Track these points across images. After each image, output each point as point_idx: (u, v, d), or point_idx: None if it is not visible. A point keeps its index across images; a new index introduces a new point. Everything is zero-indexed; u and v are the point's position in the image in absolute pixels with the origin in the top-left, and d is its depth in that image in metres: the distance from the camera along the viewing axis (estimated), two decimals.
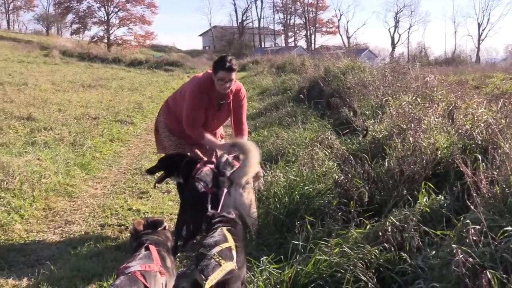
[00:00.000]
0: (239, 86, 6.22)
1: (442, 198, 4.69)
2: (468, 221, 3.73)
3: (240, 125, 6.29)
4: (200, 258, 3.52)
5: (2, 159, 7.94)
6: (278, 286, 4.28)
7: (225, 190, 5.11)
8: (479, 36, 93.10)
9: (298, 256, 4.49)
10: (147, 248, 3.60)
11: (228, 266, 3.38)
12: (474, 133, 5.56)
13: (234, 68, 5.84)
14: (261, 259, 4.65)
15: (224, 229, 3.89)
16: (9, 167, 7.63)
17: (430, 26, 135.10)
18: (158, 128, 6.51)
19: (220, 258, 3.41)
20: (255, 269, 4.49)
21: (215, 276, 3.25)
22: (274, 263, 4.62)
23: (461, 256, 3.31)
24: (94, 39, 64.48)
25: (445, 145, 5.70)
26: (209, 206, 5.01)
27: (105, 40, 64.56)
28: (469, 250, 3.42)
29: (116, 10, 65.65)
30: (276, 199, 5.96)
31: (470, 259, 3.31)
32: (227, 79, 5.79)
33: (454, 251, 3.38)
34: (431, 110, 6.99)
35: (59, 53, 43.07)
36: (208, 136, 5.93)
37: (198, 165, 5.53)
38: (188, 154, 5.89)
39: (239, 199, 5.24)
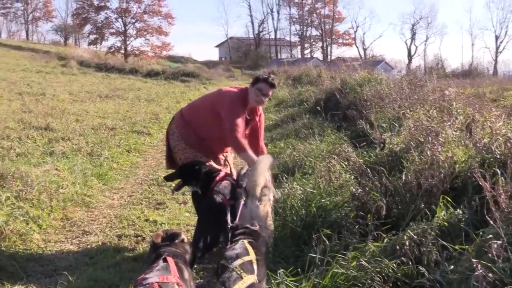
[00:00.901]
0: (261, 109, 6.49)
1: (460, 212, 4.65)
2: (490, 236, 3.71)
3: (259, 146, 6.45)
4: (221, 270, 3.52)
5: (21, 169, 7.99)
6: None
7: (242, 202, 5.12)
8: (497, 48, 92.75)
9: (315, 269, 4.48)
10: (165, 260, 3.60)
11: (249, 279, 3.37)
12: (492, 146, 5.50)
13: (274, 84, 6.22)
14: (278, 271, 4.63)
15: (246, 241, 3.89)
16: (27, 177, 7.67)
17: (446, 38, 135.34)
18: (170, 142, 6.39)
19: (241, 271, 3.41)
20: (272, 281, 4.48)
21: None
22: (291, 276, 4.60)
23: (480, 271, 3.29)
24: (111, 50, 64.87)
25: (463, 159, 5.66)
26: (229, 218, 5.02)
27: (122, 51, 64.89)
28: (489, 265, 3.40)
29: (133, 21, 66.05)
30: (293, 212, 5.95)
31: (490, 275, 3.29)
32: (265, 92, 6.04)
33: (474, 266, 3.36)
34: (449, 123, 6.95)
35: (77, 64, 43.34)
36: (249, 150, 5.81)
37: (218, 178, 5.54)
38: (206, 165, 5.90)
39: (255, 211, 5.24)
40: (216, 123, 5.92)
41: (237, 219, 4.84)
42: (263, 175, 5.37)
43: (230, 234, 4.24)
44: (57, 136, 12.23)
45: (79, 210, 7.79)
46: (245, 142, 5.84)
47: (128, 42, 65.71)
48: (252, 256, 3.68)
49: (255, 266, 3.61)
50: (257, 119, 6.38)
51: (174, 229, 4.46)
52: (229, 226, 4.75)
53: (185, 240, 4.09)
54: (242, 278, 3.36)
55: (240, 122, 5.86)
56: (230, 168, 6.31)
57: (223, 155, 6.44)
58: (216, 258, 5.23)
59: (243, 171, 5.67)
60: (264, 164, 5.42)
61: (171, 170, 6.39)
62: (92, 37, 69.17)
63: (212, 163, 6.09)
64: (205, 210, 5.57)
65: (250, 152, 5.78)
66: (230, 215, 5.13)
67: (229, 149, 6.49)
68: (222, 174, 5.76)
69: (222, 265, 3.60)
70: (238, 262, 3.53)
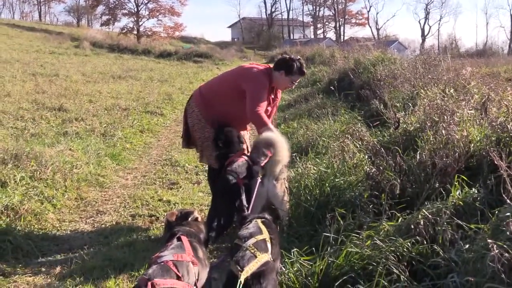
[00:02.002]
0: None
1: (476, 191, 4.61)
2: (508, 213, 3.68)
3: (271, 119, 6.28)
4: (235, 249, 3.52)
5: (35, 149, 8.03)
6: (309, 278, 4.27)
7: (259, 180, 5.09)
8: None
9: (329, 248, 4.47)
10: (179, 239, 3.61)
11: (263, 257, 3.36)
12: (508, 125, 5.45)
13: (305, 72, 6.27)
14: (292, 251, 4.64)
15: (259, 221, 3.89)
16: (41, 157, 7.72)
17: (461, 18, 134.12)
18: (188, 120, 6.28)
19: (255, 249, 3.41)
20: (286, 261, 4.49)
21: (251, 267, 3.23)
22: (305, 255, 4.60)
23: (496, 251, 3.26)
24: (124, 31, 64.83)
25: (478, 138, 5.62)
26: (244, 199, 4.95)
27: (135, 32, 64.87)
28: (504, 246, 3.38)
29: (146, 1, 65.94)
30: (307, 191, 5.94)
31: (506, 254, 3.26)
32: (297, 81, 6.23)
33: (490, 245, 3.34)
34: (464, 102, 6.89)
35: (90, 45, 43.36)
36: (271, 125, 5.78)
37: (232, 157, 5.47)
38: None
39: (272, 190, 5.24)
40: (238, 100, 5.84)
41: (253, 198, 4.82)
42: (287, 153, 5.34)
43: (241, 221, 4.24)
44: (70, 117, 12.27)
45: (93, 190, 7.82)
46: (267, 119, 5.82)
47: (140, 23, 65.74)
48: (265, 235, 3.68)
49: (269, 245, 3.61)
50: (278, 98, 6.41)
51: (189, 208, 4.45)
52: (245, 207, 4.73)
53: (199, 219, 4.11)
54: (256, 256, 3.35)
55: (265, 99, 5.85)
56: (247, 146, 6.23)
57: (246, 130, 6.43)
58: (230, 238, 5.25)
59: (259, 147, 5.52)
60: (284, 143, 5.38)
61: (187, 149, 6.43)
62: (104, 18, 69.25)
63: None
64: (219, 190, 5.53)
65: (273, 127, 5.76)
66: (245, 194, 5.06)
67: (248, 127, 6.46)
68: (238, 153, 5.65)
69: (236, 244, 3.60)
70: (252, 241, 3.52)
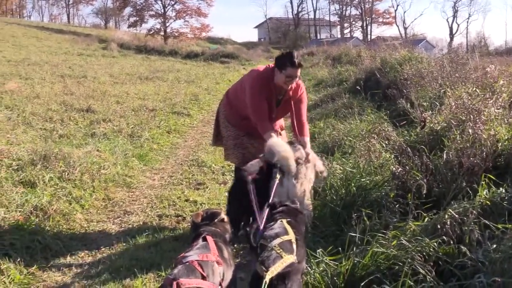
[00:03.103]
0: (298, 81, 6.07)
1: (503, 191, 4.58)
2: None
3: (300, 124, 6.12)
4: (260, 250, 3.52)
5: (64, 150, 8.12)
6: (335, 278, 4.27)
7: (277, 181, 5.09)
8: None
9: (355, 248, 4.47)
10: (204, 239, 3.63)
11: (289, 258, 3.35)
12: None
13: (302, 64, 5.82)
14: (318, 251, 4.64)
15: (284, 221, 3.89)
16: (70, 158, 7.82)
17: (490, 15, 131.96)
18: (219, 119, 6.48)
19: (281, 250, 3.40)
20: (312, 261, 4.49)
21: (276, 268, 3.23)
22: (330, 255, 4.60)
23: None
24: (151, 32, 65.35)
25: (506, 137, 5.58)
26: (253, 196, 4.92)
27: (162, 33, 65.35)
28: None
29: (173, 3, 66.41)
30: (333, 191, 5.94)
31: None
32: (294, 76, 5.75)
33: None
34: (492, 101, 6.83)
35: (117, 46, 43.64)
36: (272, 132, 5.69)
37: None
38: (248, 145, 6.07)
39: (292, 189, 5.22)
40: None
41: (271, 198, 4.80)
42: (288, 150, 5.31)
43: (267, 212, 4.24)
44: (98, 118, 12.34)
45: (121, 191, 7.89)
46: (267, 124, 5.75)
47: (167, 24, 66.22)
48: (291, 235, 3.67)
49: (294, 246, 3.60)
50: (293, 94, 6.08)
51: (214, 208, 4.47)
52: (253, 205, 4.69)
53: (225, 220, 4.13)
54: (281, 257, 3.34)
55: (262, 105, 5.78)
56: None
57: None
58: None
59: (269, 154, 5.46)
60: (279, 144, 5.35)
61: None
62: (132, 19, 69.80)
63: (255, 143, 6.11)
64: (231, 189, 5.86)
65: (273, 134, 5.65)
66: (258, 193, 4.98)
67: (277, 124, 6.36)
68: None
69: (261, 245, 3.60)
70: (277, 241, 3.52)
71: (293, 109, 6.14)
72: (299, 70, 5.78)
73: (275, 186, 5.02)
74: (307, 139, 6.02)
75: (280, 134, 6.20)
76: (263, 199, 4.75)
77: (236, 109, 6.21)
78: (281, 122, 6.52)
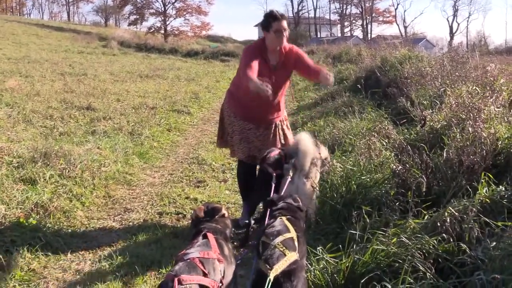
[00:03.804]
0: (289, 45, 6.18)
1: (503, 189, 4.59)
2: None
3: (311, 69, 6.16)
4: (263, 248, 3.51)
5: (64, 147, 8.14)
6: (335, 275, 4.28)
7: (289, 178, 5.14)
8: None
9: (355, 245, 4.48)
10: (205, 236, 3.64)
11: (292, 256, 3.34)
12: None
13: (284, 16, 5.99)
14: (318, 248, 4.65)
15: (284, 218, 3.89)
16: (70, 156, 7.83)
17: (490, 14, 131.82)
18: (224, 117, 6.50)
19: (284, 248, 3.40)
20: (312, 258, 4.50)
21: (280, 266, 3.23)
22: (331, 252, 4.61)
23: None
24: (151, 30, 65.30)
25: (506, 135, 5.59)
26: (273, 185, 5.11)
27: (162, 31, 65.28)
28: None
29: (173, 1, 66.37)
30: (333, 189, 5.94)
31: None
32: (282, 28, 5.86)
33: None
34: (492, 99, 6.84)
35: (117, 44, 43.72)
36: (254, 78, 5.46)
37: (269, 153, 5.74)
38: (253, 138, 6.20)
39: (301, 187, 5.27)
40: None
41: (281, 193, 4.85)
42: (310, 152, 5.37)
43: (267, 209, 4.25)
44: (98, 116, 12.37)
45: (121, 188, 7.91)
46: (250, 74, 5.55)
47: (167, 22, 66.14)
48: (293, 233, 3.68)
49: (296, 243, 3.60)
50: (287, 56, 6.11)
51: (215, 203, 4.47)
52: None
53: (226, 215, 4.13)
54: (285, 255, 3.34)
55: (253, 61, 5.73)
56: (280, 136, 6.37)
57: (274, 121, 6.37)
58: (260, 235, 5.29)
59: (293, 147, 5.68)
60: (308, 141, 5.41)
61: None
62: (132, 17, 69.71)
63: (261, 132, 6.23)
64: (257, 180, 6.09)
65: (255, 79, 5.45)
66: (275, 186, 5.17)
67: (281, 113, 6.44)
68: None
69: (263, 242, 3.58)
70: (279, 239, 3.51)
71: (299, 65, 6.20)
72: (284, 22, 5.90)
73: (287, 183, 5.08)
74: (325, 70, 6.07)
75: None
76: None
77: (239, 99, 6.24)
78: (284, 113, 6.56)
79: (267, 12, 6.05)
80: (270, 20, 5.87)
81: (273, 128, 6.34)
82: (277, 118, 6.41)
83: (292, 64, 6.18)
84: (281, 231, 3.63)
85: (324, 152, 6.18)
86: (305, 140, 5.44)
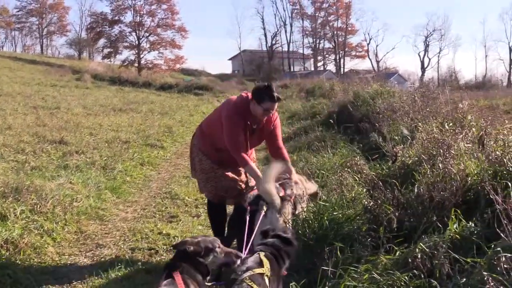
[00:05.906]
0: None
1: (473, 225, 4.64)
2: (499, 249, 3.71)
3: (277, 149, 6.25)
4: (231, 283, 3.52)
5: (36, 182, 8.06)
6: None
7: (262, 213, 5.17)
8: (510, 60, 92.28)
9: (327, 282, 4.49)
10: (169, 276, 3.57)
11: None
12: (505, 159, 5.49)
13: (280, 98, 5.92)
14: (291, 284, 4.65)
15: (262, 254, 3.89)
16: (42, 191, 7.74)
17: (460, 50, 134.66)
18: (192, 153, 6.52)
19: (252, 282, 3.40)
20: None
21: None
22: None
23: (492, 284, 3.29)
24: (125, 63, 65.46)
25: (475, 172, 5.66)
26: (247, 219, 5.11)
27: (136, 64, 65.45)
28: (500, 278, 3.40)
29: (147, 34, 66.75)
30: (306, 224, 5.96)
31: None
32: (272, 109, 5.81)
33: (485, 279, 3.36)
34: (461, 135, 6.94)
35: (91, 77, 43.58)
36: (251, 164, 5.84)
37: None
38: (221, 178, 6.16)
39: (274, 223, 5.28)
40: None
41: (256, 229, 4.87)
42: (271, 185, 5.40)
43: (261, 239, 4.30)
44: (71, 150, 12.27)
45: (93, 223, 7.83)
46: (246, 157, 5.82)
47: (141, 56, 66.36)
48: (265, 269, 3.67)
49: (267, 280, 3.60)
50: (267, 122, 6.13)
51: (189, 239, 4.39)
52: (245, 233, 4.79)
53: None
54: None
55: (240, 136, 5.83)
56: (249, 177, 6.30)
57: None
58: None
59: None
60: (270, 174, 5.43)
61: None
62: (106, 50, 70.04)
63: (230, 173, 6.16)
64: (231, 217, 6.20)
65: (253, 165, 5.85)
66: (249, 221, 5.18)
67: (251, 156, 6.39)
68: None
69: (232, 279, 3.60)
70: (247, 273, 3.52)
71: (269, 136, 6.23)
72: (276, 104, 5.85)
73: (260, 217, 5.11)
74: (288, 163, 6.20)
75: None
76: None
77: (211, 140, 6.23)
78: (253, 155, 6.56)
79: (267, 86, 5.87)
80: (265, 97, 5.74)
81: (242, 170, 6.30)
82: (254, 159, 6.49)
83: (268, 133, 6.23)
84: (250, 267, 3.63)
85: (312, 187, 6.35)
86: (266, 177, 5.45)
